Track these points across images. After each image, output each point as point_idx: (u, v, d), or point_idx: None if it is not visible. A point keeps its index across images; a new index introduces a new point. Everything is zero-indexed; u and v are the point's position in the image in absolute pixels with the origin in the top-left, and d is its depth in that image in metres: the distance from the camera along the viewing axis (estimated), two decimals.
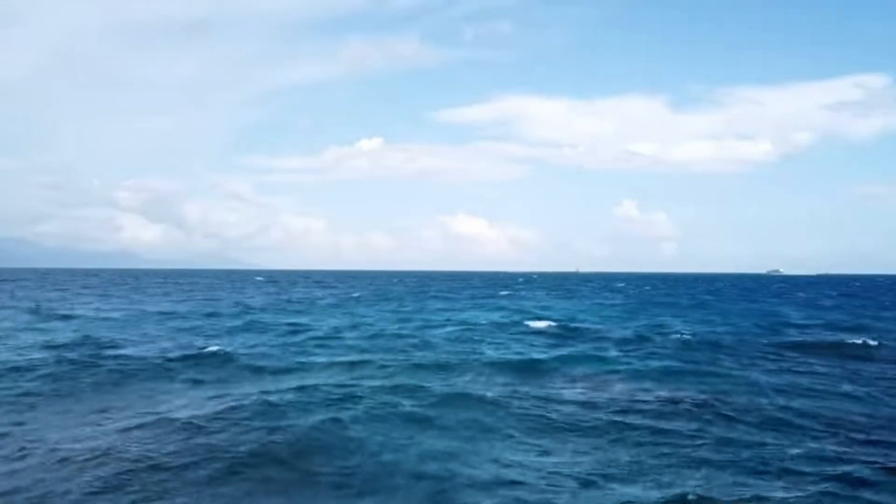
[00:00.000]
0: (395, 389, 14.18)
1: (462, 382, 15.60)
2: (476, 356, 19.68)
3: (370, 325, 30.35)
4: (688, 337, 25.49)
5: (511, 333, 27.18)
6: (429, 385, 14.74)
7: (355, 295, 64.30)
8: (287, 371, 16.97)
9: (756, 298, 62.77)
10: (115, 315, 34.57)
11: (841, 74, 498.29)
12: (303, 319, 32.59)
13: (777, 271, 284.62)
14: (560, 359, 19.29)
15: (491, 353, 20.68)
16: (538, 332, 27.58)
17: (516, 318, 35.39)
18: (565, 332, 27.53)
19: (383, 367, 17.32)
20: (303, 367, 17.50)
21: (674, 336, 25.93)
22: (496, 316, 37.29)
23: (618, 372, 17.37)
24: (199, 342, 22.50)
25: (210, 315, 35.23)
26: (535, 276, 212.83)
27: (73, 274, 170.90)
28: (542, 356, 19.94)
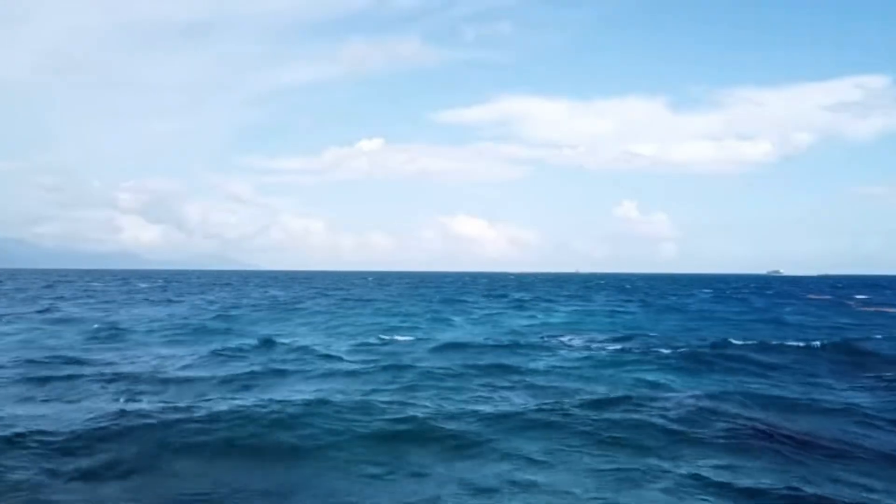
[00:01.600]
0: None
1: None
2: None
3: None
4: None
5: (568, 349, 22.00)
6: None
7: (366, 298, 59.06)
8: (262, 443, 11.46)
9: (801, 308, 57.66)
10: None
11: (841, 75, 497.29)
12: (314, 340, 27.25)
13: (777, 272, 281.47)
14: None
15: (593, 388, 15.25)
16: (606, 348, 22.38)
17: (555, 324, 30.29)
18: (633, 347, 22.28)
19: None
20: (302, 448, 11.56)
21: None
22: (533, 324, 32.15)
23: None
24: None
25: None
26: (538, 277, 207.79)
27: (64, 275, 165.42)
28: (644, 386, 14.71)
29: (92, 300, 50.70)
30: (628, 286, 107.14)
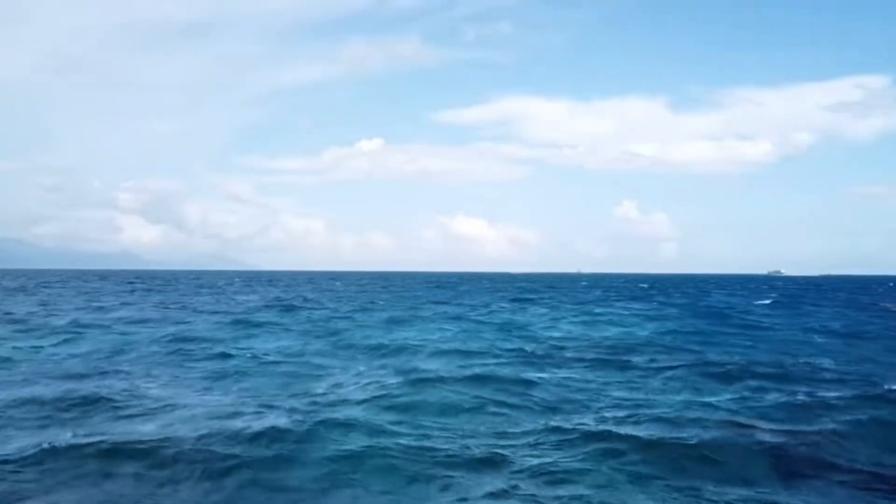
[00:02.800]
0: None
1: None
2: None
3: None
4: None
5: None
6: None
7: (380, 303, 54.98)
8: None
9: (853, 316, 53.14)
10: None
11: (841, 75, 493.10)
12: (327, 361, 23.00)
13: (778, 272, 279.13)
14: None
15: None
16: (676, 369, 18.07)
17: (596, 337, 26.02)
18: (720, 383, 17.76)
19: None
20: None
21: None
22: (568, 336, 27.97)
23: None
24: None
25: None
26: (542, 277, 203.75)
27: (61, 275, 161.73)
28: None
29: (77, 302, 46.63)
30: (644, 285, 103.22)
